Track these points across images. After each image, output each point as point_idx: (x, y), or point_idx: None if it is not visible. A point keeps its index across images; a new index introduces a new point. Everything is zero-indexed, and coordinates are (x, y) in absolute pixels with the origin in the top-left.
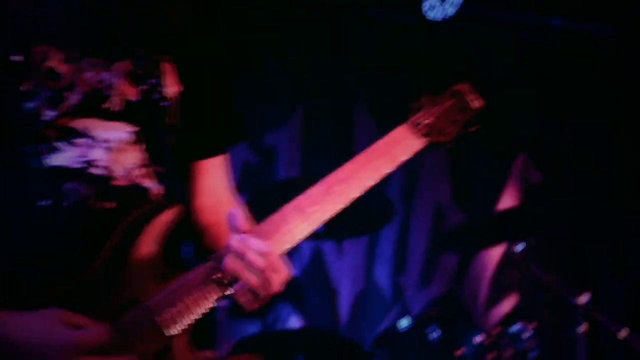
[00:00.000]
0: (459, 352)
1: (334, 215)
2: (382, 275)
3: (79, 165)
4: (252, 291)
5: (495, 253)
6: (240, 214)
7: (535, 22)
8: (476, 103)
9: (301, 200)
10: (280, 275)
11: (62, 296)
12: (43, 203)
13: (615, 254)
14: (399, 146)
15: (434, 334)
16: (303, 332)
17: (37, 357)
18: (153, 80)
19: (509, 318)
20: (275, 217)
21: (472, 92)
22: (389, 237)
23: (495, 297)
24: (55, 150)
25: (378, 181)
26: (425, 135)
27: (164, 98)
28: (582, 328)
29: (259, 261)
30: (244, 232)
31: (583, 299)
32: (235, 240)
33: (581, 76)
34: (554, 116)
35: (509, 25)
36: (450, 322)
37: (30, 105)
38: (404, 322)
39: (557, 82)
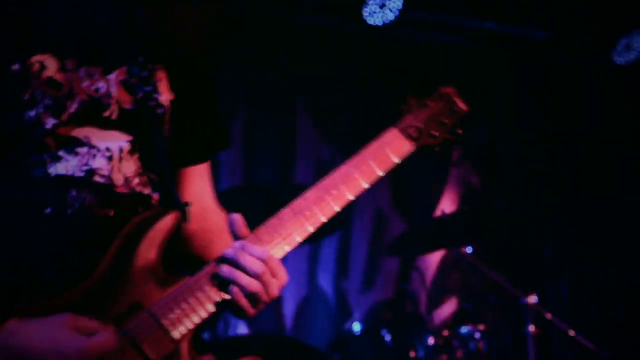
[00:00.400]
0: (412, 354)
1: (330, 217)
2: (325, 280)
3: (82, 174)
4: (251, 296)
5: (438, 256)
6: (239, 219)
7: (471, 25)
8: (462, 106)
9: (298, 203)
10: (280, 279)
11: (67, 302)
12: (48, 211)
13: (561, 253)
14: (390, 149)
15: (387, 337)
16: (262, 337)
17: None
18: (148, 88)
19: (459, 320)
20: (273, 221)
21: (458, 95)
22: (331, 242)
23: (442, 299)
24: (58, 159)
25: (372, 183)
26: (415, 139)
27: (159, 106)
28: (531, 328)
29: (257, 266)
30: (243, 237)
31: (531, 299)
32: (232, 247)
33: (518, 79)
34: (491, 120)
35: (446, 28)
36: (402, 324)
37: (31, 114)
38: (357, 326)
39: (495, 85)
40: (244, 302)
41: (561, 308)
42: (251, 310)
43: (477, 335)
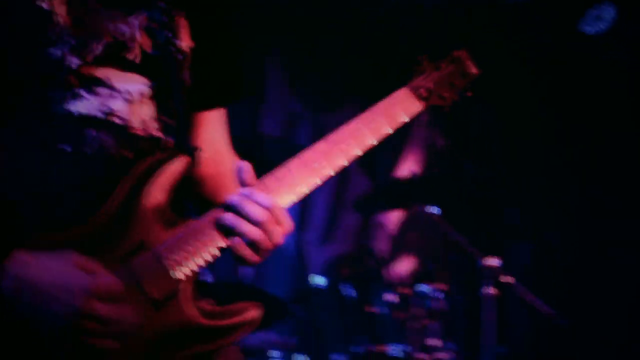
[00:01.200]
0: (371, 309)
1: (336, 171)
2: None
3: (100, 115)
4: (253, 243)
5: (398, 214)
6: (247, 166)
7: None
8: (474, 69)
9: (306, 155)
10: (284, 227)
11: (76, 237)
12: (66, 148)
13: (522, 217)
14: (400, 108)
15: (347, 291)
16: (223, 285)
17: (54, 299)
18: (169, 34)
19: (419, 278)
20: (280, 171)
21: (470, 59)
22: None
23: (400, 256)
24: (78, 97)
25: (379, 140)
26: (425, 98)
27: (179, 51)
28: (491, 290)
29: (259, 213)
30: (250, 185)
31: (492, 261)
32: (236, 194)
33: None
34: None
35: None
36: (362, 279)
37: (57, 52)
38: (319, 279)
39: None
40: (245, 249)
41: (523, 272)
42: (254, 258)
43: (437, 294)
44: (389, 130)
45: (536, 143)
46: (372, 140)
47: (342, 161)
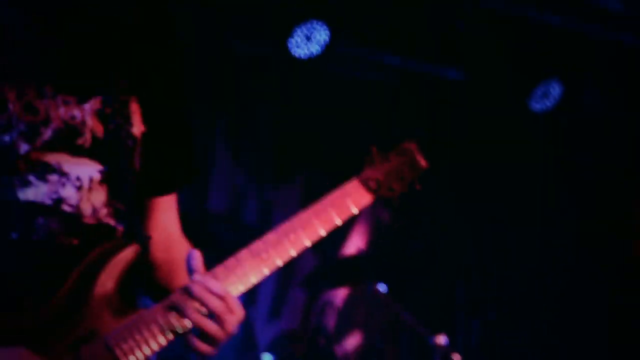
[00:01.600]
0: None
1: (285, 261)
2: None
3: (50, 202)
4: (209, 334)
5: (345, 290)
6: (198, 255)
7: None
8: (422, 162)
9: (255, 245)
10: (237, 316)
11: (25, 326)
12: (14, 236)
13: (471, 293)
14: (350, 199)
15: None
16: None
17: None
18: (120, 120)
19: (367, 356)
20: (230, 261)
21: (419, 152)
22: None
23: (347, 333)
24: (27, 184)
25: (328, 231)
26: (374, 190)
27: (130, 137)
28: None
29: (219, 306)
30: (200, 273)
31: (440, 339)
32: (196, 284)
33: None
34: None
35: (373, 65)
36: (313, 357)
37: (6, 138)
38: (267, 357)
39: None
40: (197, 341)
41: (471, 349)
42: (208, 349)
43: None
44: (338, 221)
45: (485, 217)
46: (321, 231)
47: (291, 252)
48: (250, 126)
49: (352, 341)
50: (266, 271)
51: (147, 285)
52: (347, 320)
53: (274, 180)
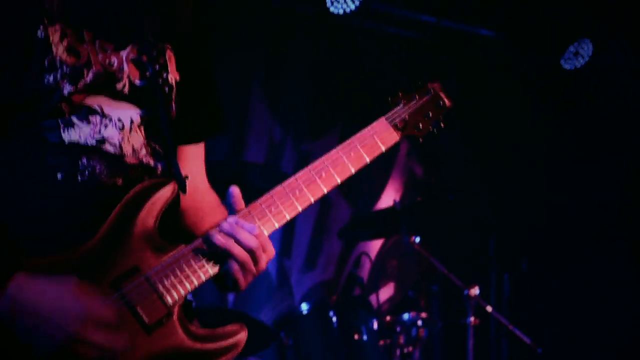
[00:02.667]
0: (356, 337)
1: (316, 199)
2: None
3: (93, 142)
4: (242, 268)
5: (378, 242)
6: (237, 192)
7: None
8: (447, 101)
9: (288, 184)
10: (268, 254)
11: (69, 262)
12: (60, 176)
13: (503, 246)
14: (379, 137)
15: (334, 318)
16: (208, 310)
17: (50, 322)
18: (157, 67)
19: (401, 306)
20: (265, 199)
21: (444, 91)
22: None
23: (379, 284)
24: (71, 125)
25: (358, 169)
26: (401, 129)
27: (166, 83)
28: (471, 318)
29: (251, 240)
30: (239, 210)
31: (473, 290)
32: (227, 221)
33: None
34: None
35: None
36: (349, 307)
37: (50, 79)
38: (305, 306)
39: (444, 78)
40: (235, 273)
41: (501, 301)
42: (241, 283)
43: (419, 322)
44: (367, 159)
45: (516, 172)
46: (351, 170)
47: (322, 190)
48: (287, 79)
49: (386, 291)
50: (299, 209)
51: (176, 230)
52: (381, 271)
53: (310, 132)
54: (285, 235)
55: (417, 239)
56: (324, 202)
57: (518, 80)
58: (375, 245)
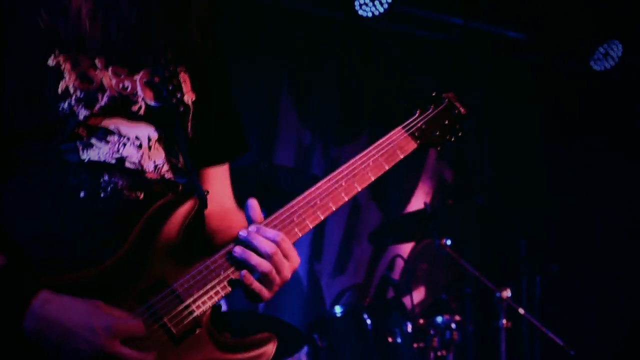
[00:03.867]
0: (389, 340)
1: (338, 207)
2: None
3: (113, 161)
4: (263, 277)
5: (408, 246)
6: (256, 204)
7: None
8: (462, 110)
9: (311, 193)
10: (291, 261)
11: (94, 277)
12: (82, 195)
13: (535, 249)
14: (397, 147)
15: (368, 321)
16: (239, 314)
17: (77, 339)
18: (171, 87)
19: (434, 310)
20: (286, 210)
21: (459, 100)
22: None
23: (410, 287)
24: (90, 146)
25: (377, 177)
26: (418, 138)
27: (181, 103)
28: (504, 321)
29: (268, 246)
30: (258, 222)
31: (505, 293)
32: (252, 232)
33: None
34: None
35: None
36: (383, 310)
37: (64, 105)
38: (338, 309)
39: (472, 81)
40: (254, 283)
41: (533, 303)
42: (264, 292)
43: (453, 325)
44: (386, 167)
45: (546, 173)
46: (371, 178)
47: (343, 198)
48: (316, 83)
49: (418, 294)
50: (321, 217)
51: (207, 252)
52: (413, 274)
53: (339, 137)
54: (315, 240)
55: (449, 242)
56: (353, 206)
57: (547, 82)
58: (407, 248)
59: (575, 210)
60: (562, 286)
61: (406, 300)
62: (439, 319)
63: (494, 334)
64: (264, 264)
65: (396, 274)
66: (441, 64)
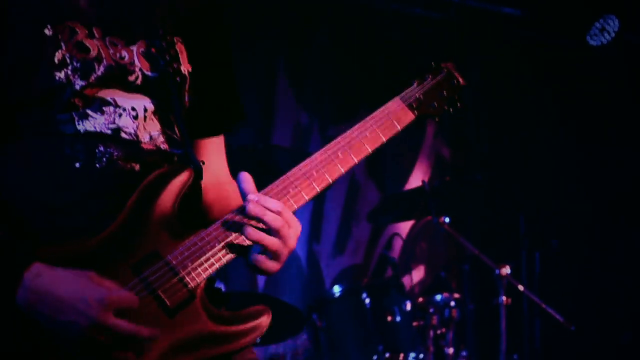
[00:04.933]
0: (389, 318)
1: (334, 179)
2: (298, 243)
3: (109, 131)
4: (273, 252)
5: (407, 225)
6: (248, 177)
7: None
8: (461, 80)
9: (306, 164)
10: (295, 230)
11: (88, 249)
12: (77, 165)
13: (534, 224)
14: (394, 117)
15: (367, 300)
16: (239, 294)
17: (70, 310)
18: (168, 58)
19: (433, 288)
20: (282, 181)
21: (457, 70)
22: (305, 207)
23: (410, 266)
24: (86, 116)
25: (374, 149)
26: (415, 108)
27: (178, 74)
28: (503, 298)
29: (278, 221)
30: (252, 194)
31: (504, 270)
32: (252, 203)
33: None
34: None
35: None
36: (382, 289)
37: (61, 75)
38: (337, 288)
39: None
40: (263, 259)
41: (533, 280)
42: (271, 265)
43: (452, 303)
44: (383, 139)
45: (544, 150)
46: (368, 149)
47: (340, 169)
48: (312, 64)
49: (417, 273)
50: (317, 189)
51: (203, 224)
52: (412, 252)
53: (336, 117)
54: (314, 220)
55: (447, 220)
56: (352, 185)
57: (543, 58)
58: (406, 227)
59: (573, 185)
60: (562, 262)
61: (406, 279)
62: (438, 297)
63: (493, 312)
64: (268, 238)
65: (394, 253)
66: (438, 43)
